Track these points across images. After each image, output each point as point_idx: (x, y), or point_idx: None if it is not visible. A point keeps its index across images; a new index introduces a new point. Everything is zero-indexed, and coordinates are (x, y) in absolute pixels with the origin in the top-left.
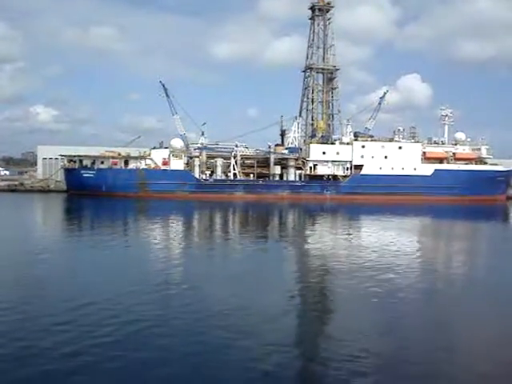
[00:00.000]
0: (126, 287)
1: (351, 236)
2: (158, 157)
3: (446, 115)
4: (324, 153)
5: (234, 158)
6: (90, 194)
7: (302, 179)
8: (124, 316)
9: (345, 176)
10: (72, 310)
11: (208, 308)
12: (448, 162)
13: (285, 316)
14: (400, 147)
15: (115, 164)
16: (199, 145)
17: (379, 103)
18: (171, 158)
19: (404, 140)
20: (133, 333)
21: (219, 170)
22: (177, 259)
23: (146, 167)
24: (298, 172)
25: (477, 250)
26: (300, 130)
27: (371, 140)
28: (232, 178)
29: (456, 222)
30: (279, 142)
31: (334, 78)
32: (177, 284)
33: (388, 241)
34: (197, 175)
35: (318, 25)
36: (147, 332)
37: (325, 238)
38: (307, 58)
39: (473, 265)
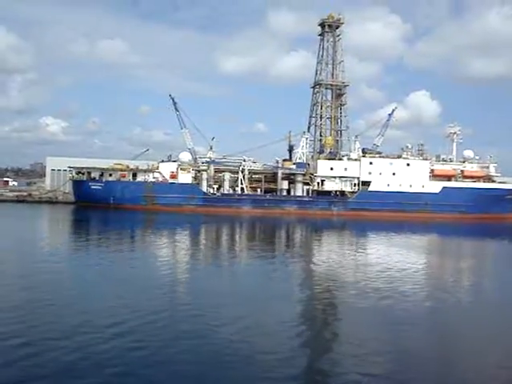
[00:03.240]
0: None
1: (359, 253)
2: (166, 170)
3: (455, 133)
4: (332, 169)
5: (242, 172)
6: (98, 206)
7: (310, 195)
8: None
9: (352, 192)
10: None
11: (221, 323)
12: (456, 180)
13: (294, 337)
14: (408, 164)
15: (123, 176)
16: (207, 159)
17: (388, 120)
18: (179, 171)
19: (412, 157)
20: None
21: (227, 184)
22: (187, 275)
23: (154, 180)
24: (306, 187)
25: (485, 269)
26: (308, 146)
27: (379, 156)
28: (239, 192)
29: (464, 241)
30: (287, 157)
31: (343, 94)
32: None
33: (396, 259)
34: (204, 189)
35: (328, 41)
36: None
37: (332, 256)
38: (316, 73)
39: (480, 284)
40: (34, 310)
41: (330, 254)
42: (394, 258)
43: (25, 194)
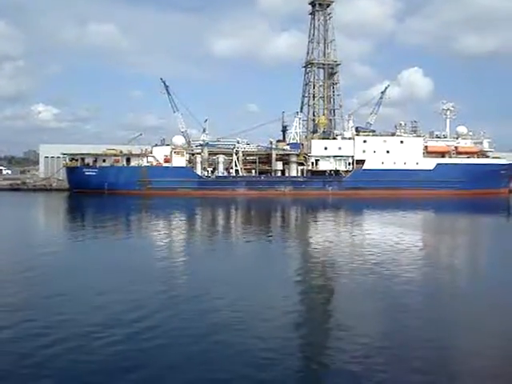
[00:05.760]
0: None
1: (354, 232)
2: (159, 154)
3: (448, 109)
4: (326, 148)
5: (236, 154)
6: (93, 192)
7: (304, 175)
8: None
9: (347, 171)
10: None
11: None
12: (450, 156)
13: (289, 317)
14: (402, 142)
15: (117, 162)
16: (201, 141)
17: (380, 98)
18: (173, 155)
19: (406, 134)
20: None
21: (221, 167)
22: (186, 260)
23: (148, 164)
24: (300, 168)
25: (481, 245)
26: (301, 126)
27: (373, 135)
28: (234, 174)
29: (459, 216)
30: (281, 137)
31: (335, 72)
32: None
33: (392, 237)
34: (199, 172)
35: (319, 20)
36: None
37: (329, 236)
38: (308, 53)
39: (477, 261)
40: (31, 300)
41: (326, 233)
42: (390, 236)
43: (19, 182)
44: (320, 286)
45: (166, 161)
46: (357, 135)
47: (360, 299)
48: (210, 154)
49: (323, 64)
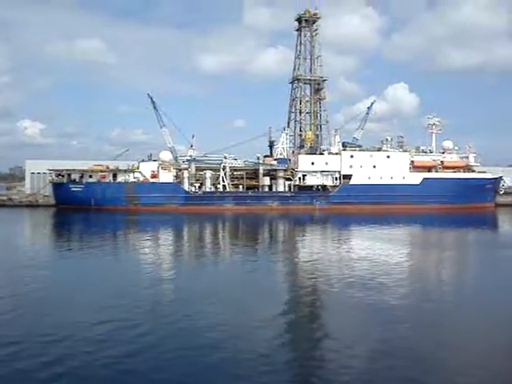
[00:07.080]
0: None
1: (342, 247)
2: (146, 170)
3: (434, 124)
4: (313, 163)
5: (223, 169)
6: (79, 208)
7: (292, 190)
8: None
9: (334, 186)
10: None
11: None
12: (436, 171)
13: (278, 334)
14: (388, 156)
15: (104, 177)
16: (188, 157)
17: (367, 113)
18: (160, 170)
19: (392, 149)
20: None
21: (208, 182)
22: (174, 276)
23: (134, 180)
24: (287, 183)
25: (468, 259)
26: (288, 141)
27: (359, 150)
28: (221, 189)
29: (446, 231)
30: (268, 153)
31: (322, 88)
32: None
33: (379, 252)
34: (186, 187)
35: (305, 36)
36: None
37: (316, 251)
38: (294, 69)
39: (465, 275)
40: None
41: (314, 249)
42: (378, 251)
43: (5, 198)
44: (307, 303)
45: (153, 176)
46: (343, 150)
47: (348, 317)
48: (197, 170)
49: (310, 80)
